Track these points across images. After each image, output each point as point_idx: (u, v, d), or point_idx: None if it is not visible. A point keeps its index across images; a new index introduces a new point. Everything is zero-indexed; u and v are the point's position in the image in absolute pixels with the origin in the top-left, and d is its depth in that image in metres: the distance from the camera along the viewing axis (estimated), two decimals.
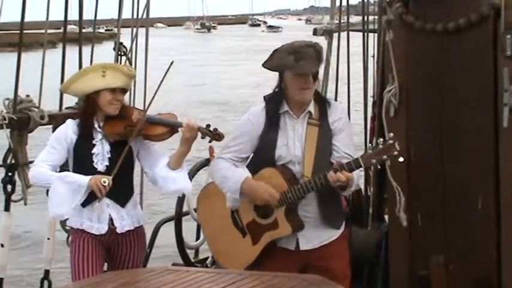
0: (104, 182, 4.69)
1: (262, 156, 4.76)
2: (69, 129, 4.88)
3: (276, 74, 4.78)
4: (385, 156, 4.45)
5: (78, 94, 5.05)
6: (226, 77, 37.95)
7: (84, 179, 4.72)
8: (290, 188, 4.62)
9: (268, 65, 4.72)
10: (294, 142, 4.71)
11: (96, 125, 4.86)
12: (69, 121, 4.94)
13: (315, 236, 4.74)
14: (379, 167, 4.60)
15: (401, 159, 4.45)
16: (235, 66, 44.83)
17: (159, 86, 4.81)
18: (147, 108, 4.93)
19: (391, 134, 4.46)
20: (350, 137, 4.78)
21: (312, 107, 4.74)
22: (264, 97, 4.85)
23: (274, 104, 4.77)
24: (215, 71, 41.33)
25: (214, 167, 4.86)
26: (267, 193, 4.64)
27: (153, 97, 4.91)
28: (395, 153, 4.42)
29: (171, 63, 4.80)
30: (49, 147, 4.86)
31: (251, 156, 4.83)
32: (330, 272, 4.58)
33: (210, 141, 4.86)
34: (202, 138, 4.82)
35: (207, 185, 5.11)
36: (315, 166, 4.65)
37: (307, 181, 4.61)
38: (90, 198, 4.79)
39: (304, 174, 4.66)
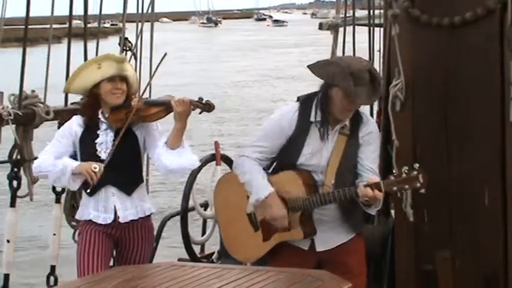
0: (95, 168, 4.70)
1: (284, 159, 4.69)
2: (74, 123, 4.93)
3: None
4: (407, 186, 4.42)
5: (80, 91, 5.06)
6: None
7: (73, 163, 4.77)
8: (308, 196, 4.58)
9: (318, 71, 4.57)
10: (321, 152, 4.63)
11: (101, 117, 4.89)
12: (75, 116, 4.99)
13: (332, 238, 4.69)
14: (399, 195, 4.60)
15: (423, 190, 4.43)
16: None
17: (153, 74, 4.98)
18: (143, 92, 4.99)
19: (417, 165, 4.40)
20: (376, 152, 4.72)
21: (347, 120, 4.66)
22: (298, 98, 4.74)
23: (308, 108, 4.66)
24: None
25: (241, 167, 4.75)
26: (279, 220, 4.60)
27: (149, 82, 5.02)
28: (418, 185, 4.40)
29: (164, 55, 4.89)
30: (54, 140, 4.92)
31: None
32: (344, 266, 4.57)
33: (200, 113, 4.85)
34: (193, 109, 4.82)
35: (228, 173, 5.10)
36: (337, 177, 4.60)
37: (327, 193, 4.56)
38: (96, 187, 4.81)
39: (325, 183, 4.62)
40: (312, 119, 4.64)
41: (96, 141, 4.86)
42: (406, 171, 4.40)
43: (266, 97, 29.46)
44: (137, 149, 4.92)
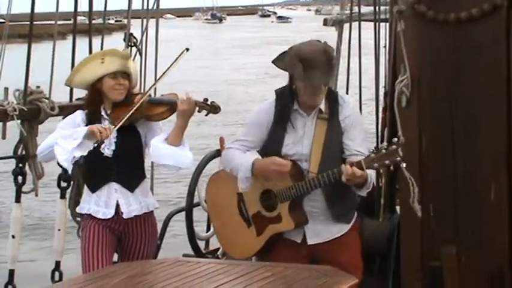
0: (105, 126, 4.68)
1: (268, 152, 4.74)
2: (78, 117, 4.94)
3: None
4: (387, 161, 4.42)
5: (83, 85, 5.06)
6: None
7: (83, 127, 4.73)
8: (294, 184, 4.60)
9: (279, 64, 4.69)
10: (302, 140, 4.68)
11: (103, 113, 4.89)
12: (78, 111, 4.97)
13: (323, 230, 4.72)
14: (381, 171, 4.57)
15: (404, 164, 4.42)
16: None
17: (166, 70, 4.88)
18: (148, 90, 4.97)
19: (395, 139, 4.44)
20: (362, 135, 4.73)
21: (322, 104, 4.70)
22: (275, 91, 4.81)
23: (284, 100, 4.73)
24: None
25: (225, 155, 4.85)
26: (275, 164, 4.59)
27: (157, 80, 4.95)
28: (398, 158, 4.39)
29: (184, 50, 4.86)
30: (57, 129, 4.90)
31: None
32: (339, 265, 4.57)
33: (206, 115, 4.86)
34: (199, 112, 4.82)
35: (216, 172, 5.11)
36: (321, 162, 4.63)
37: (312, 178, 4.59)
38: (99, 184, 4.79)
39: (310, 171, 4.64)
40: (289, 108, 4.69)
41: None
42: (385, 147, 4.40)
43: (255, 97, 29.11)
44: (140, 146, 4.92)
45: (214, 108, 4.82)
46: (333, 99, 4.73)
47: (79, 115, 4.95)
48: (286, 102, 4.72)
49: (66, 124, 4.93)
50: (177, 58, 4.90)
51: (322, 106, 4.71)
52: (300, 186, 4.61)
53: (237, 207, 4.88)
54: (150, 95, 5.03)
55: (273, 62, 4.74)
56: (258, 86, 32.85)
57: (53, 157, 4.82)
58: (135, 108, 4.78)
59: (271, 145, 4.73)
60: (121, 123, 4.74)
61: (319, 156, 4.65)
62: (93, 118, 4.89)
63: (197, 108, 4.80)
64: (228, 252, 5.03)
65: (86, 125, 4.86)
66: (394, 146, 4.41)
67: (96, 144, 4.70)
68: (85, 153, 4.72)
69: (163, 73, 4.98)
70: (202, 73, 36.90)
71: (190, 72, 36.46)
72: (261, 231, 4.78)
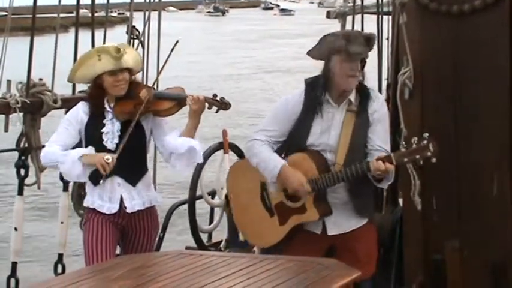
0: (107, 160, 4.68)
1: (294, 141, 4.72)
2: (80, 110, 4.91)
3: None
4: (418, 156, 4.42)
5: (85, 81, 5.05)
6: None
7: (82, 153, 4.74)
8: (320, 175, 4.59)
9: (315, 52, 4.67)
10: (329, 130, 4.65)
11: (106, 106, 4.88)
12: (80, 103, 4.95)
13: (343, 221, 4.70)
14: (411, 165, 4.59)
15: (434, 160, 4.41)
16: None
17: (165, 62, 4.88)
18: (154, 83, 4.96)
19: (426, 134, 4.41)
20: (386, 131, 4.71)
21: (352, 96, 4.67)
22: (305, 80, 4.79)
23: (314, 89, 4.70)
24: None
25: (252, 149, 4.79)
26: (298, 183, 4.60)
27: (159, 73, 4.94)
28: (429, 154, 4.39)
29: (176, 42, 4.85)
30: (60, 128, 4.89)
31: None
32: (353, 253, 4.58)
33: (217, 111, 4.85)
34: (209, 108, 4.82)
35: (237, 162, 5.15)
36: (348, 155, 4.60)
37: (339, 171, 4.57)
38: (102, 177, 4.80)
39: (336, 162, 4.62)
40: (319, 98, 4.67)
41: (102, 130, 4.84)
42: (416, 142, 4.40)
43: (244, 93, 28.97)
44: (143, 140, 4.91)
45: (224, 105, 4.81)
46: (364, 92, 4.71)
47: (81, 108, 4.90)
48: (317, 92, 4.69)
49: (69, 121, 4.90)
50: (171, 50, 4.91)
51: (352, 98, 4.69)
52: (327, 178, 4.59)
53: (260, 196, 4.87)
54: (154, 89, 5.02)
55: (307, 53, 4.72)
56: (249, 82, 32.64)
57: (57, 168, 4.88)
58: (139, 113, 4.77)
59: (298, 134, 4.70)
60: (121, 147, 4.74)
61: (346, 148, 4.63)
62: (96, 111, 4.88)
63: (207, 105, 4.80)
64: (250, 240, 5.02)
65: (89, 118, 4.85)
66: (425, 142, 4.40)
67: (101, 180, 4.77)
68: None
69: (162, 67, 5.00)
70: (193, 68, 36.59)
71: (181, 66, 36.38)
72: (284, 221, 4.76)
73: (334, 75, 4.61)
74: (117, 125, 4.84)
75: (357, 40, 4.54)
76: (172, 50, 4.86)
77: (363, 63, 4.63)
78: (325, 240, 4.72)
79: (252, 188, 4.85)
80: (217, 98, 4.81)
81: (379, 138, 4.64)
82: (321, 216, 4.66)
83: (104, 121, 4.86)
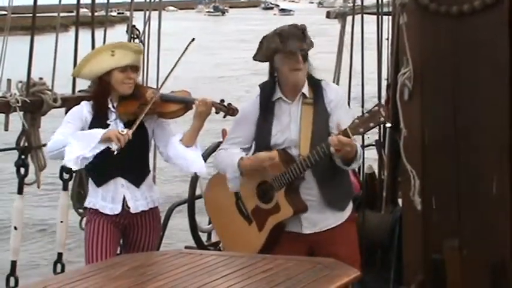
0: (122, 131, 4.66)
1: (259, 144, 4.78)
2: (84, 109, 4.90)
3: None
4: (372, 124, 4.45)
5: (90, 77, 5.04)
6: None
7: (99, 131, 4.70)
8: (287, 169, 4.64)
9: (259, 56, 4.77)
10: (289, 126, 4.72)
11: (110, 106, 4.87)
12: (83, 102, 4.95)
13: (320, 220, 4.73)
14: (367, 134, 4.62)
15: (388, 124, 4.45)
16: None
17: (176, 63, 4.88)
18: (161, 86, 4.96)
19: (377, 101, 4.46)
20: (348, 114, 4.74)
21: (306, 89, 4.75)
22: (259, 85, 4.87)
23: (267, 91, 4.79)
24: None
25: (216, 157, 4.92)
26: (264, 154, 4.64)
27: (168, 75, 4.93)
28: (381, 119, 4.42)
29: (192, 40, 4.91)
30: (64, 122, 4.87)
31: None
32: (336, 258, 4.56)
33: (224, 116, 4.86)
34: (217, 113, 4.83)
35: (211, 178, 5.14)
36: (311, 146, 4.65)
37: (302, 159, 4.62)
38: (105, 178, 4.79)
39: (301, 155, 4.67)
40: (274, 98, 4.76)
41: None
42: (368, 111, 4.44)
43: (231, 95, 28.78)
44: (146, 141, 4.91)
45: (232, 111, 4.81)
46: (315, 84, 4.78)
47: (85, 107, 4.89)
48: (268, 93, 4.78)
49: (73, 117, 4.88)
50: (185, 48, 4.90)
51: (306, 91, 4.75)
52: (293, 169, 4.62)
53: (236, 206, 4.89)
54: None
55: (253, 59, 4.82)
56: (236, 84, 32.36)
57: (62, 157, 4.79)
58: (149, 107, 4.75)
59: (260, 137, 4.77)
60: (136, 125, 4.71)
61: (308, 140, 4.68)
62: (99, 110, 4.87)
63: (214, 110, 4.80)
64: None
65: (93, 117, 4.84)
66: (376, 107, 4.44)
67: (115, 151, 4.68)
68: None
69: (174, 66, 4.95)
70: (181, 69, 36.31)
71: (169, 68, 36.02)
72: (262, 226, 4.79)
73: (281, 73, 4.71)
74: (121, 126, 4.83)
75: (291, 36, 4.63)
76: (186, 48, 4.87)
77: (304, 54, 4.68)
78: (304, 240, 4.73)
79: (227, 200, 4.91)
80: (225, 104, 4.81)
81: (342, 123, 4.62)
82: (295, 212, 4.68)
83: (108, 122, 4.86)
